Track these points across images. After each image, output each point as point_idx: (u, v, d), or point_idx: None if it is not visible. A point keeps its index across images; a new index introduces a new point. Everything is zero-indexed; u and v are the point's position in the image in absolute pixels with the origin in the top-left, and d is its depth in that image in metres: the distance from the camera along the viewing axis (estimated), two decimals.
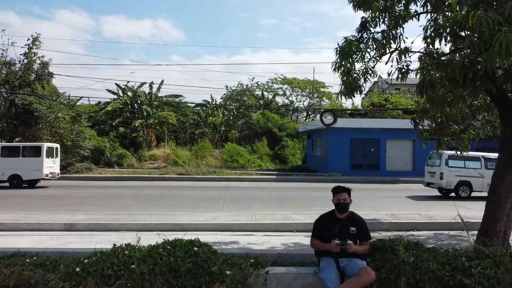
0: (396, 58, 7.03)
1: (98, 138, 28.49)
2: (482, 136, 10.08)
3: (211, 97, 41.85)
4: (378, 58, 7.52)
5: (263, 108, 38.83)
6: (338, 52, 7.57)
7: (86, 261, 4.22)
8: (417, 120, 9.14)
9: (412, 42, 7.72)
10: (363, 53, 7.49)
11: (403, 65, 6.97)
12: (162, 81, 36.46)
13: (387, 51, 7.32)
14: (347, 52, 7.49)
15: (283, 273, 4.43)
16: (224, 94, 45.81)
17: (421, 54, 6.85)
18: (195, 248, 4.45)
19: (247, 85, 47.31)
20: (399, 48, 6.99)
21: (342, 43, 7.50)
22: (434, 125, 8.98)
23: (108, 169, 25.67)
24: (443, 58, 6.27)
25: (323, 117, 13.01)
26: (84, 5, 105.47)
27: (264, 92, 44.36)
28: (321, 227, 4.45)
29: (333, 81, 60.40)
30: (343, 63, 7.48)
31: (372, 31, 7.36)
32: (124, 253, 4.35)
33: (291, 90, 45.57)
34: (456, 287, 4.25)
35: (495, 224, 5.75)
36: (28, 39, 22.79)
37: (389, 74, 7.21)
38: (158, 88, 35.50)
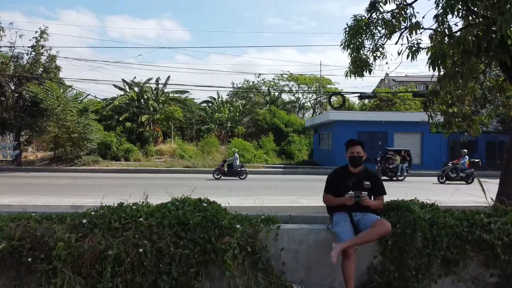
0: (407, 36, 6.91)
1: (105, 132, 28.51)
2: (494, 117, 9.87)
3: (218, 94, 41.79)
4: (388, 36, 7.40)
5: (269, 104, 38.72)
6: (347, 31, 7.47)
7: (93, 213, 4.12)
8: (427, 103, 8.99)
9: (423, 17, 7.57)
10: (373, 32, 7.38)
11: (413, 43, 6.85)
12: (169, 77, 36.42)
13: (397, 30, 7.20)
14: (356, 30, 7.39)
15: (294, 229, 4.28)
16: (230, 91, 45.72)
17: (432, 31, 6.72)
18: (204, 204, 4.34)
19: (253, 82, 47.23)
20: (409, 27, 6.86)
21: (351, 23, 7.41)
22: (445, 107, 8.82)
23: (115, 162, 25.69)
24: (455, 34, 6.14)
25: (331, 101, 12.81)
26: (89, 5, 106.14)
27: (270, 89, 44.21)
28: (334, 182, 4.29)
29: (340, 79, 60.06)
30: (352, 41, 7.37)
31: (382, 10, 7.25)
32: (132, 207, 4.24)
33: (297, 87, 45.40)
34: (475, 243, 4.10)
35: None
36: (36, 32, 22.85)
37: (399, 54, 7.07)
38: (165, 84, 35.50)
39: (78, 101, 26.43)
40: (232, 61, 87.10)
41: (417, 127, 22.90)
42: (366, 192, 4.01)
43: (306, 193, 13.29)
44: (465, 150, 19.16)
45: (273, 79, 47.34)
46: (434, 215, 4.27)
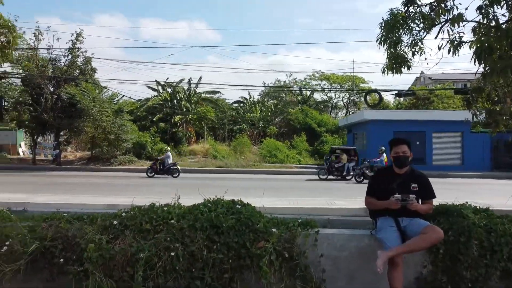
0: (448, 29, 6.48)
1: (139, 132, 28.99)
2: None
3: (249, 94, 41.71)
4: (427, 30, 6.98)
5: (301, 104, 38.26)
6: (383, 26, 7.12)
7: (123, 214, 3.99)
8: (471, 101, 8.46)
9: (466, 8, 7.09)
10: (410, 26, 7.00)
11: (455, 37, 6.40)
12: (201, 77, 36.75)
13: (436, 24, 6.78)
14: (393, 24, 7.02)
15: (334, 234, 4.00)
16: (262, 91, 45.54)
17: (476, 23, 6.26)
18: (238, 206, 4.13)
19: (284, 82, 46.85)
20: (449, 20, 6.44)
21: (387, 17, 7.06)
22: (490, 104, 8.28)
23: (150, 162, 26.04)
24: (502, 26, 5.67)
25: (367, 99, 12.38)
26: (122, 9, 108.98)
27: (302, 89, 43.70)
28: (378, 184, 3.97)
29: (374, 78, 58.68)
30: (389, 36, 7.02)
31: (419, 3, 6.85)
32: (163, 209, 4.08)
33: (329, 86, 44.62)
34: None
35: None
36: (72, 35, 23.50)
37: (439, 48, 6.65)
38: (197, 84, 35.76)
39: (114, 102, 26.99)
40: (262, 61, 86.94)
41: (458, 126, 21.88)
42: (414, 196, 3.66)
43: (341, 195, 12.92)
44: (383, 148, 18.53)
45: (305, 78, 46.84)
46: (490, 221, 3.88)
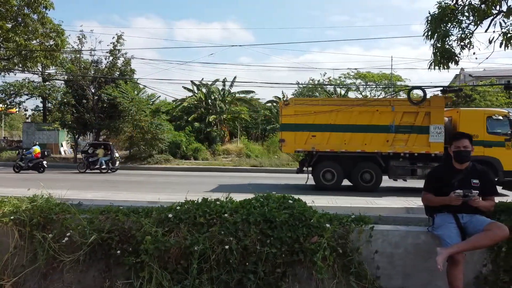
0: (500, 22, 6.20)
1: (175, 132, 29.51)
2: None
3: (282, 93, 41.55)
4: (478, 23, 6.71)
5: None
6: (429, 20, 6.92)
7: (178, 208, 4.05)
8: None
9: None
10: (459, 19, 6.76)
11: (508, 29, 6.13)
12: (235, 78, 36.92)
13: (487, 16, 6.50)
14: (441, 18, 6.81)
15: (390, 230, 3.90)
16: (296, 90, 45.26)
17: None
18: (290, 201, 4.11)
19: (318, 81, 46.38)
20: (502, 12, 6.16)
21: (434, 11, 6.85)
22: None
23: (185, 161, 26.48)
24: None
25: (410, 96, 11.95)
26: (158, 11, 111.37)
27: (336, 87, 43.11)
28: (437, 179, 3.83)
29: (411, 76, 57.19)
30: (437, 30, 6.81)
31: None
32: (216, 203, 4.12)
33: (365, 85, 43.81)
34: None
35: None
36: (113, 37, 24.22)
37: (490, 41, 6.38)
38: (231, 85, 36.01)
39: (151, 102, 27.61)
40: (295, 60, 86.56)
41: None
42: (477, 191, 3.52)
43: (381, 194, 12.71)
44: (36, 142, 21.40)
45: (339, 77, 46.19)
46: None
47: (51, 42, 16.60)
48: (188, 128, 31.76)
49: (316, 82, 45.66)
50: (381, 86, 42.49)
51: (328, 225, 3.81)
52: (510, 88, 15.62)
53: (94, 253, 4.04)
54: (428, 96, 13.26)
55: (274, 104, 41.83)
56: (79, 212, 4.27)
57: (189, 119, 33.31)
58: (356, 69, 43.83)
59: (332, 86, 43.45)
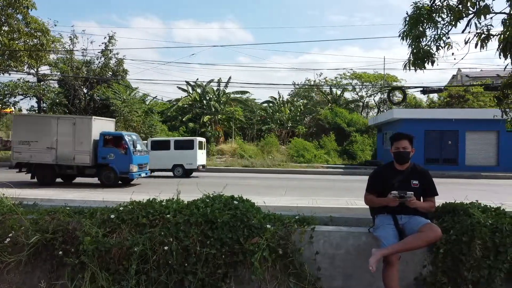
0: (475, 23, 6.20)
1: (169, 132, 29.54)
2: None
3: (278, 93, 41.59)
4: (453, 24, 6.71)
5: (331, 103, 37.75)
6: (407, 20, 6.92)
7: (121, 209, 4.05)
8: (501, 97, 8.08)
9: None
10: (435, 20, 6.75)
11: (482, 30, 6.12)
12: (230, 78, 36.97)
13: (464, 17, 6.50)
14: (417, 18, 6.81)
15: (331, 231, 3.89)
16: (292, 90, 45.27)
17: (506, 15, 5.95)
18: (235, 202, 4.10)
19: (314, 81, 46.36)
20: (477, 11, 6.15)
21: (411, 11, 6.86)
22: None
23: None
24: None
25: (391, 96, 11.91)
26: (156, 11, 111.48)
27: (332, 88, 43.11)
28: (378, 180, 3.83)
29: (407, 77, 57.03)
30: (412, 31, 6.82)
31: None
32: (161, 203, 4.12)
33: (360, 85, 43.76)
34: None
35: None
36: (105, 37, 24.29)
37: (466, 42, 6.37)
38: (226, 85, 36.03)
39: (145, 102, 27.64)
40: (293, 60, 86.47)
41: (493, 125, 20.90)
42: (412, 192, 3.50)
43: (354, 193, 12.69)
44: None
45: (335, 77, 46.16)
46: (497, 220, 3.66)
47: (35, 41, 16.59)
48: (182, 129, 31.82)
49: (312, 83, 45.65)
50: (377, 86, 42.44)
51: (269, 226, 3.80)
52: (490, 89, 15.60)
53: (39, 254, 4.03)
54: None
55: (270, 104, 41.87)
56: (27, 213, 4.26)
57: (183, 119, 33.36)
58: (351, 69, 43.76)
59: (328, 87, 43.46)
